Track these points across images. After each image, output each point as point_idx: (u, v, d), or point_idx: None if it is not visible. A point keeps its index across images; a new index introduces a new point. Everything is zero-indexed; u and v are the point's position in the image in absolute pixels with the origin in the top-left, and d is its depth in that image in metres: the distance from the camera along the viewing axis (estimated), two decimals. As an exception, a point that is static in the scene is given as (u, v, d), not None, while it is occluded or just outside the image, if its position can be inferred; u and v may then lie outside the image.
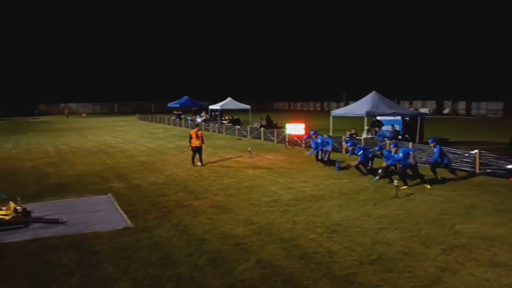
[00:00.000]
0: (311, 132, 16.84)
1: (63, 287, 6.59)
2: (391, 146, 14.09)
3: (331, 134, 22.74)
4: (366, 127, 23.17)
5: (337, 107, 31.33)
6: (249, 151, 19.84)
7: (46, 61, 77.25)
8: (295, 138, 23.46)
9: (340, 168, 15.81)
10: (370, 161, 14.61)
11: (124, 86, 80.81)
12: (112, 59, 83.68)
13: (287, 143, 16.47)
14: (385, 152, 14.19)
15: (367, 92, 23.58)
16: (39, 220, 9.91)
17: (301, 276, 6.82)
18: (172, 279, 6.74)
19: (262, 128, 28.93)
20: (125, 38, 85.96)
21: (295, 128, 24.25)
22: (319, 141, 16.43)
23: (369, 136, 22.01)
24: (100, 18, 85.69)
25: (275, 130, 27.46)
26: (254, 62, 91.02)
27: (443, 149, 14.25)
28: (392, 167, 14.24)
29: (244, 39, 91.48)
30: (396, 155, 13.37)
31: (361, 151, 14.60)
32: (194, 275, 6.90)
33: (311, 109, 79.57)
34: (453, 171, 13.97)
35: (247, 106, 40.40)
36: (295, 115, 49.34)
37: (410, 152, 13.42)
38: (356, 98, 26.36)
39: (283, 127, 27.80)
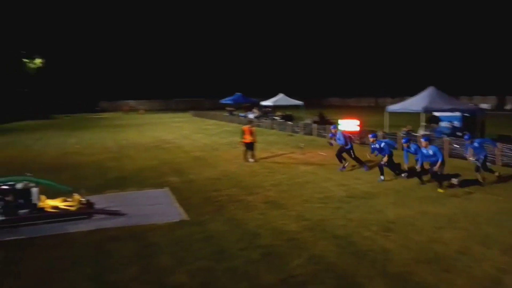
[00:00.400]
0: (370, 135, 15.05)
1: (123, 276, 6.91)
2: (422, 139, 12.68)
3: (386, 130, 22.23)
4: (423, 123, 22.45)
5: (392, 103, 30.57)
6: (301, 147, 19.81)
7: (108, 60, 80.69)
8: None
9: (369, 168, 15.21)
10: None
11: (179, 83, 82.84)
12: (170, 57, 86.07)
13: (330, 141, 15.90)
14: (412, 146, 13.30)
15: (423, 87, 22.84)
16: (101, 211, 10.43)
17: (355, 273, 6.76)
18: (226, 272, 6.90)
19: (314, 124, 28.74)
20: (182, 36, 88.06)
21: (348, 124, 23.89)
22: (377, 146, 14.51)
23: (427, 132, 21.31)
24: (157, 17, 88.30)
25: (328, 126, 27.16)
26: (307, 58, 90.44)
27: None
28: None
29: (296, 35, 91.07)
30: (425, 151, 12.23)
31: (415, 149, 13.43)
32: (248, 269, 7.02)
33: (365, 104, 77.93)
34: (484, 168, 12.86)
35: (300, 102, 40.21)
36: (349, 111, 48.55)
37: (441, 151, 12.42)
38: (412, 93, 25.58)
39: (336, 123, 27.48)
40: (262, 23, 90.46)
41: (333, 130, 16.28)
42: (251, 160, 17.49)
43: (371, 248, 7.75)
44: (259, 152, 18.93)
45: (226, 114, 46.62)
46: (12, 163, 18.66)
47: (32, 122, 49.70)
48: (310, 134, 27.53)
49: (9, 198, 9.82)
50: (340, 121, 24.68)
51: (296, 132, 29.17)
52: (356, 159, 15.47)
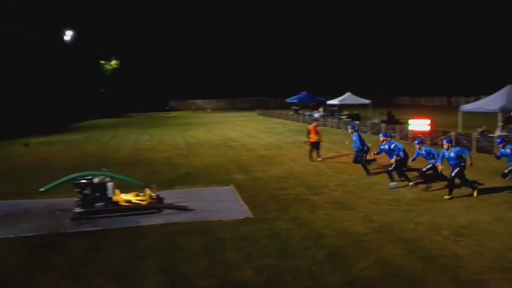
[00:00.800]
0: (381, 134, 13.84)
1: (191, 269, 7.15)
2: (444, 141, 11.69)
3: (459, 131, 21.15)
4: (499, 124, 21.10)
5: (466, 102, 28.91)
6: (369, 147, 19.33)
7: (177, 60, 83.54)
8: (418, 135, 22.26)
9: (372, 175, 14.20)
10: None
11: (245, 82, 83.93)
12: (236, 57, 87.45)
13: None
14: (508, 147, 11.94)
15: (501, 86, 21.47)
16: (171, 206, 10.84)
17: (424, 278, 6.52)
18: (291, 271, 6.93)
19: (383, 124, 27.96)
20: (248, 36, 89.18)
21: (419, 124, 23.01)
22: (424, 152, 13.02)
23: (503, 133, 20.01)
24: (223, 17, 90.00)
25: (397, 126, 26.35)
26: (376, 56, 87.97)
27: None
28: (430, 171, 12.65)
29: (365, 32, 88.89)
30: (447, 153, 11.33)
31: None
32: (313, 268, 7.00)
33: (437, 104, 74.50)
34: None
35: (367, 101, 39.30)
36: (419, 110, 46.70)
37: (465, 155, 11.32)
38: (488, 92, 24.14)
39: (405, 123, 26.58)
40: (329, 20, 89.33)
41: (381, 139, 13.61)
42: (316, 159, 17.37)
43: (441, 253, 7.43)
44: (324, 151, 18.75)
45: (291, 113, 46.56)
46: (90, 158, 19.90)
47: (107, 120, 52.65)
48: (378, 134, 26.78)
49: (87, 192, 10.51)
50: (410, 121, 23.79)
51: (364, 132, 28.54)
52: (364, 164, 14.62)
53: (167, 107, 76.50)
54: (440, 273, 6.67)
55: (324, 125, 34.18)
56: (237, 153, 20.44)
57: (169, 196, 11.90)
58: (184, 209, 10.68)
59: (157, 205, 10.81)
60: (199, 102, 79.32)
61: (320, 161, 17.22)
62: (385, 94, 77.89)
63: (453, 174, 11.14)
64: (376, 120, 31.60)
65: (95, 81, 65.09)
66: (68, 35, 54.66)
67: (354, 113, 38.70)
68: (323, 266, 7.06)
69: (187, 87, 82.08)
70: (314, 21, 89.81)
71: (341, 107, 40.49)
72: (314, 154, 17.49)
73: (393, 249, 7.74)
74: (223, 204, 11.19)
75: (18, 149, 24.61)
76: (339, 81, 72.86)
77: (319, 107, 43.88)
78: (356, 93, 41.06)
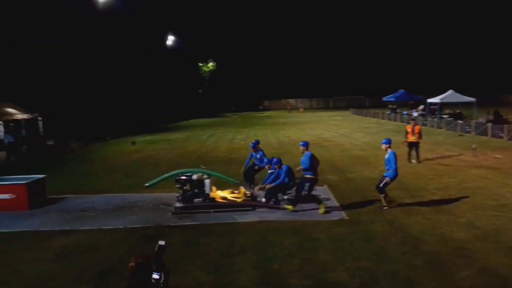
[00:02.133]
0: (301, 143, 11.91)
1: (284, 267, 7.27)
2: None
3: None
4: None
5: None
6: (473, 149, 18.07)
7: (270, 61, 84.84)
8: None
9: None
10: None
11: (339, 81, 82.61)
12: (329, 56, 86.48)
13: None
14: None
15: None
16: (264, 205, 11.09)
17: (537, 293, 5.99)
18: (386, 275, 6.75)
19: (489, 124, 25.91)
20: (343, 34, 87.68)
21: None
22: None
23: None
24: (315, 17, 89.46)
25: (505, 126, 24.26)
26: (480, 51, 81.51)
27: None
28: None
29: (468, 26, 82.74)
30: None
31: None
32: (409, 274, 6.76)
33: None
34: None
35: (472, 99, 36.63)
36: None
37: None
38: None
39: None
40: (428, 15, 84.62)
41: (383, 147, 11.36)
42: (413, 161, 16.63)
43: (559, 267, 6.75)
44: (424, 152, 17.88)
45: (388, 112, 44.92)
46: (190, 156, 21.03)
47: (204, 120, 55.02)
48: (484, 134, 24.91)
49: (186, 188, 11.16)
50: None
51: (467, 132, 26.70)
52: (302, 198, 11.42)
53: (261, 107, 77.96)
54: (556, 289, 6.08)
55: (424, 124, 32.51)
56: (330, 153, 20.25)
57: (262, 194, 12.18)
58: (277, 208, 10.86)
59: (251, 203, 11.13)
60: (292, 101, 79.75)
61: (418, 162, 16.45)
62: (491, 91, 71.85)
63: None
64: (482, 120, 29.33)
65: (194, 83, 68.46)
66: (170, 39, 58.25)
67: (457, 112, 36.29)
68: (421, 273, 6.78)
69: (280, 86, 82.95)
70: (414, 14, 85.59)
71: (442, 105, 38.16)
72: (413, 155, 16.76)
73: (498, 258, 7.20)
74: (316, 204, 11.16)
75: (127, 147, 26.77)
76: (441, 78, 68.73)
77: (418, 106, 41.80)
78: (459, 90, 38.42)
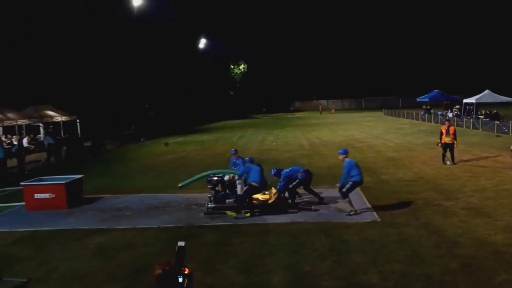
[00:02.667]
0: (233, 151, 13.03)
1: (316, 269, 7.23)
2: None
3: None
4: None
5: None
6: (511, 150, 17.47)
7: (302, 60, 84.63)
8: None
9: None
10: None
11: (371, 81, 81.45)
12: (361, 56, 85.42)
13: None
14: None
15: None
16: (295, 206, 11.07)
17: None
18: (420, 279, 6.61)
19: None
20: (372, 35, 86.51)
21: None
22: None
23: None
24: (343, 18, 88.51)
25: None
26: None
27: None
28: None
29: (502, 25, 79.95)
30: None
31: None
32: (445, 278, 6.59)
33: None
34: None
35: (509, 99, 35.45)
36: None
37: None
38: None
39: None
40: (464, 13, 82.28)
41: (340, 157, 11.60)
42: (448, 162, 16.22)
43: None
44: (459, 154, 17.43)
45: (422, 112, 43.96)
46: (221, 157, 21.18)
47: (235, 121, 55.33)
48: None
49: (218, 188, 11.28)
50: None
51: (505, 133, 25.83)
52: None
53: (292, 108, 77.77)
54: None
55: (459, 125, 31.68)
56: (363, 155, 19.99)
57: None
58: (308, 209, 10.82)
59: (282, 204, 11.12)
60: (323, 102, 79.22)
61: (453, 164, 16.04)
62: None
63: None
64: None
65: (225, 85, 69.05)
66: (202, 42, 58.98)
67: (494, 113, 35.18)
68: (457, 277, 6.61)
69: (311, 87, 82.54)
70: (450, 12, 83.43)
71: (479, 106, 37.07)
72: (448, 156, 16.35)
73: (541, 264, 6.93)
74: (348, 206, 11.04)
75: (160, 148, 27.25)
76: (477, 78, 66.68)
77: (453, 106, 40.74)
78: (496, 90, 37.24)
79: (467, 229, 8.77)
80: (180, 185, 11.97)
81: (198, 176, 12.05)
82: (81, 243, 9.18)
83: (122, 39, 42.82)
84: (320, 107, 71.65)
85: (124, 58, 43.04)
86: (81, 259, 8.24)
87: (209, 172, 12.13)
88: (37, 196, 12.02)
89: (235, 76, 72.99)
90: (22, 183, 12.53)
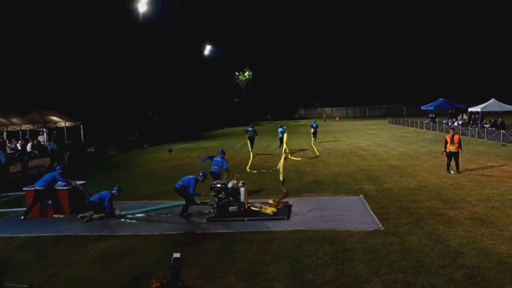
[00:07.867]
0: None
1: (319, 277, 7.17)
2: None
3: None
4: None
5: None
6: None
7: (307, 68, 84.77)
8: None
9: None
10: None
11: (376, 90, 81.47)
12: (365, 64, 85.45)
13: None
14: None
15: None
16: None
17: None
18: (424, 289, 6.55)
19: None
20: (376, 43, 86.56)
21: None
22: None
23: None
24: (343, 27, 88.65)
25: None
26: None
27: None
28: None
29: (508, 35, 79.79)
30: None
31: None
32: (449, 288, 6.53)
33: None
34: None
35: (515, 108, 35.32)
36: None
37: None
38: None
39: None
40: (469, 23, 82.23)
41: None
42: (452, 172, 16.13)
43: None
44: (464, 163, 17.34)
45: (427, 121, 43.85)
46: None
47: (239, 128, 55.31)
48: (529, 144, 23.91)
49: (221, 195, 11.24)
50: None
51: (511, 142, 25.68)
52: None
53: (296, 116, 77.83)
54: None
55: (464, 134, 31.55)
56: (366, 163, 19.93)
57: (297, 204, 12.14)
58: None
59: (285, 212, 11.10)
60: (327, 110, 79.23)
61: (458, 173, 15.94)
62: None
63: None
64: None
65: (229, 92, 69.22)
66: (207, 49, 59.22)
67: (500, 121, 35.03)
68: (461, 287, 6.53)
69: (316, 95, 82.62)
70: (455, 22, 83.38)
71: (483, 114, 36.95)
72: (452, 165, 16.26)
73: (547, 275, 6.84)
74: (352, 214, 10.99)
75: (164, 154, 27.27)
76: (482, 87, 66.54)
77: (458, 115, 40.62)
78: (502, 99, 37.15)
79: (472, 239, 8.69)
80: (121, 213, 11.83)
81: (145, 209, 12.08)
82: (84, 249, 9.16)
83: (127, 45, 43.07)
84: (324, 115, 71.66)
85: (129, 64, 43.25)
86: (83, 265, 8.22)
87: (158, 206, 12.23)
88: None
89: (239, 83, 73.12)
90: (24, 188, 12.56)
